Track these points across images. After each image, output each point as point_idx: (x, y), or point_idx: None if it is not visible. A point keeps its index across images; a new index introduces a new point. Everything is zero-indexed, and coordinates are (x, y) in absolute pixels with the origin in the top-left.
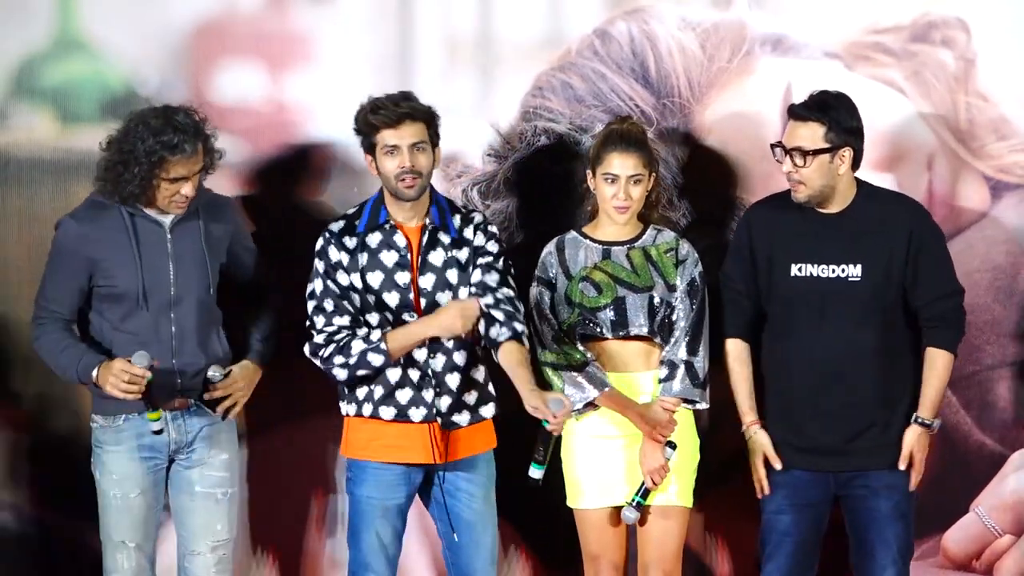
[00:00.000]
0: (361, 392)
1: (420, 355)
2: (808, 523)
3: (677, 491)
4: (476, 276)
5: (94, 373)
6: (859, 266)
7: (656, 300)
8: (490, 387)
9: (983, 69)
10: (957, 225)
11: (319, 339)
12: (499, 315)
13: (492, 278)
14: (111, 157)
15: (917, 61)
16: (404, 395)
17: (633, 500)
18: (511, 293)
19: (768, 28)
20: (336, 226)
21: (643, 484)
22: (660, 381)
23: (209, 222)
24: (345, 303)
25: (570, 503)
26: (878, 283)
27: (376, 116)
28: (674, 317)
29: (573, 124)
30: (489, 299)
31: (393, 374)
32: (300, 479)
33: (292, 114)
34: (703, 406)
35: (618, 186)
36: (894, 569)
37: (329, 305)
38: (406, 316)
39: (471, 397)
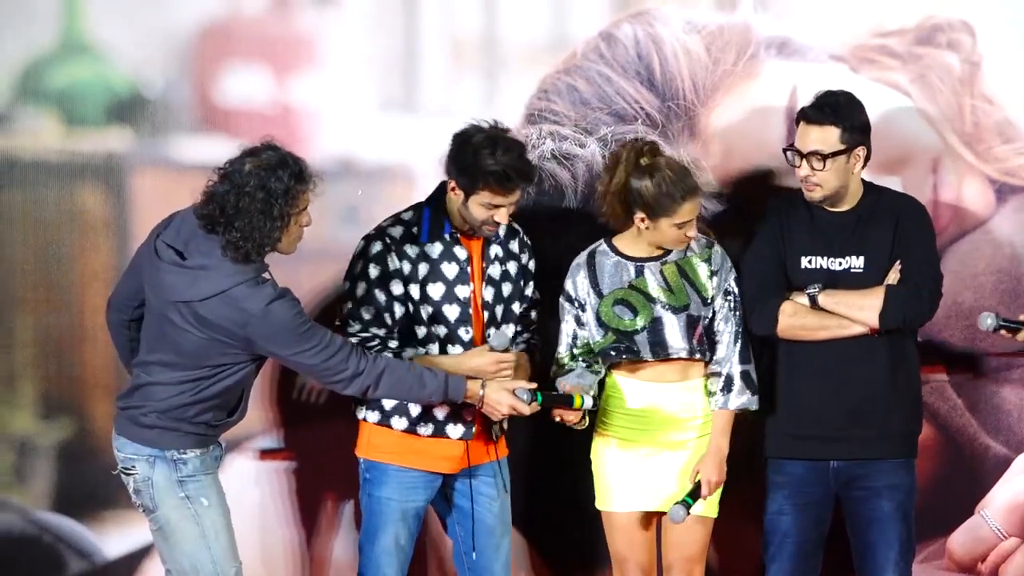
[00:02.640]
0: (388, 403)
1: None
2: (810, 523)
3: (708, 503)
4: (528, 291)
5: (466, 387)
6: (861, 258)
7: (693, 318)
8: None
9: (988, 72)
10: (962, 228)
11: (353, 340)
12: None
13: (534, 315)
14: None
15: (922, 64)
16: (441, 411)
17: (682, 502)
18: (538, 312)
19: (773, 31)
20: (396, 231)
21: (698, 485)
22: (713, 393)
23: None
24: (386, 315)
25: (599, 505)
26: (877, 273)
27: (501, 187)
28: (716, 329)
29: (578, 127)
30: (529, 337)
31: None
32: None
33: (297, 116)
34: (756, 407)
35: (687, 227)
36: (896, 570)
37: (368, 314)
38: (462, 331)
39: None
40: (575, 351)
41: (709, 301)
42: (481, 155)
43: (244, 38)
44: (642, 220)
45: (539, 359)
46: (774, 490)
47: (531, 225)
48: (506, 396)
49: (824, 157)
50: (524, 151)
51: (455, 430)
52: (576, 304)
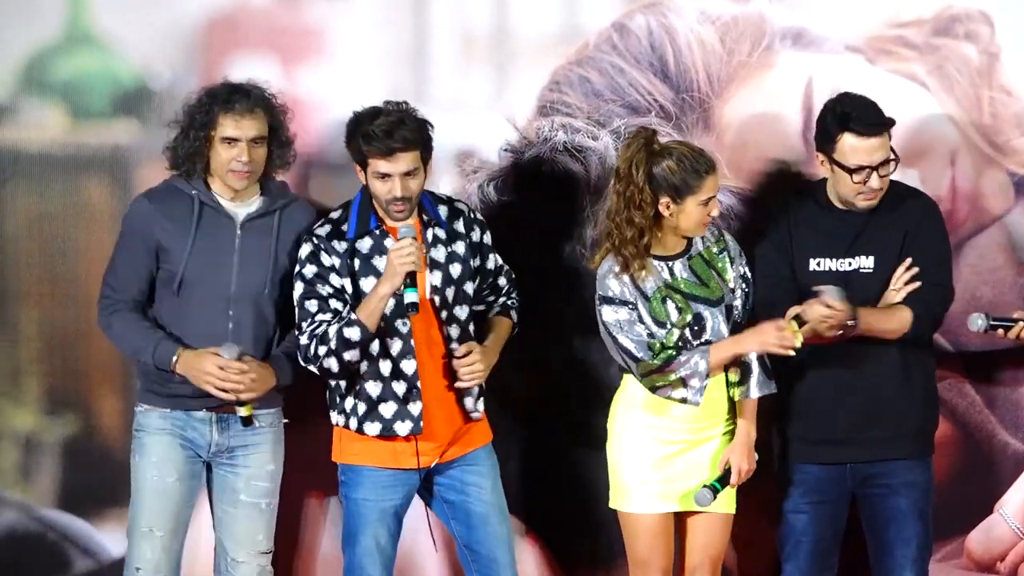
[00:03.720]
0: (348, 403)
1: (408, 367)
2: (826, 521)
3: (725, 498)
4: (489, 265)
5: (173, 359)
6: (871, 258)
7: (728, 308)
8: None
9: (1007, 63)
10: (980, 222)
11: (303, 339)
12: (494, 302)
13: (503, 280)
14: (176, 129)
15: (940, 55)
16: (387, 409)
17: (710, 486)
18: (511, 277)
19: (788, 21)
20: (323, 231)
21: (728, 472)
22: (735, 384)
23: (286, 224)
24: (330, 302)
25: (615, 505)
26: (888, 274)
27: (370, 146)
28: (735, 314)
29: (590, 119)
30: (492, 290)
31: (374, 388)
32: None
33: (305, 109)
34: (774, 391)
35: (711, 204)
36: (913, 568)
37: (313, 306)
38: (399, 324)
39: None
40: (651, 342)
41: (732, 290)
42: (362, 123)
43: (252, 29)
44: (667, 206)
45: (516, 324)
46: (790, 489)
47: (541, 217)
48: (207, 362)
49: (888, 162)
50: (410, 117)
51: (403, 427)
52: (628, 305)
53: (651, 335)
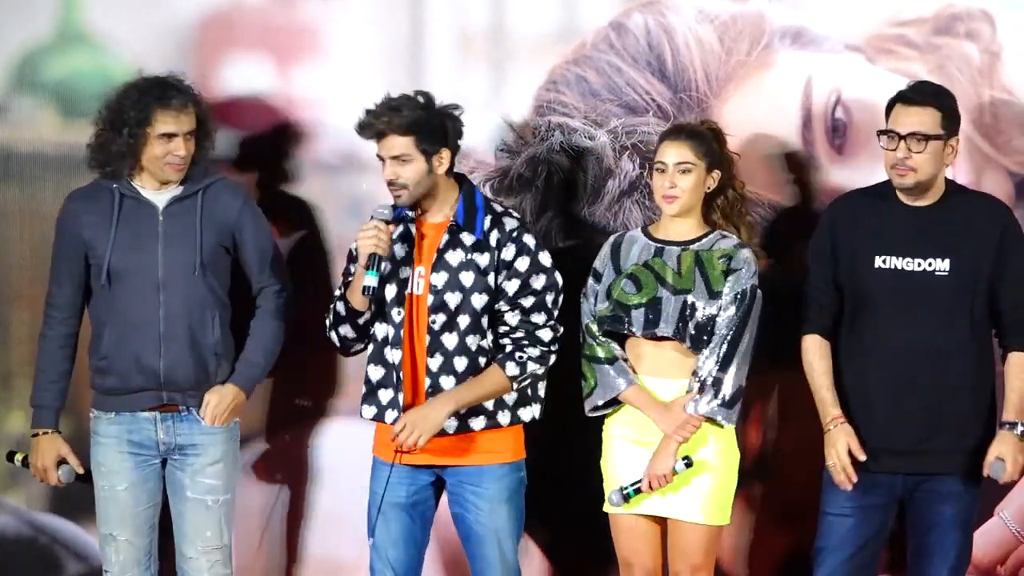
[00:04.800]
0: (363, 388)
1: (393, 356)
2: (872, 527)
3: (707, 508)
4: (509, 288)
5: (33, 432)
6: (947, 260)
7: (690, 304)
8: (488, 402)
9: (1008, 62)
10: None
11: (328, 313)
12: (506, 348)
13: (528, 300)
14: (101, 127)
15: (941, 54)
16: (385, 395)
17: (624, 490)
18: (540, 320)
19: (788, 20)
20: (379, 211)
21: (639, 481)
22: (687, 392)
23: (211, 204)
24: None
25: (606, 508)
26: (965, 280)
27: (362, 130)
28: (715, 327)
29: (588, 119)
30: (514, 319)
31: (375, 373)
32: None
33: (301, 108)
34: (728, 426)
35: (664, 176)
36: None
37: (341, 283)
38: (394, 312)
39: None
40: (592, 328)
41: (717, 296)
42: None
43: (246, 28)
44: (651, 175)
45: (534, 374)
46: (835, 490)
47: (538, 217)
48: (49, 464)
49: (926, 138)
50: (413, 104)
51: (391, 415)
52: (597, 277)
53: (592, 316)
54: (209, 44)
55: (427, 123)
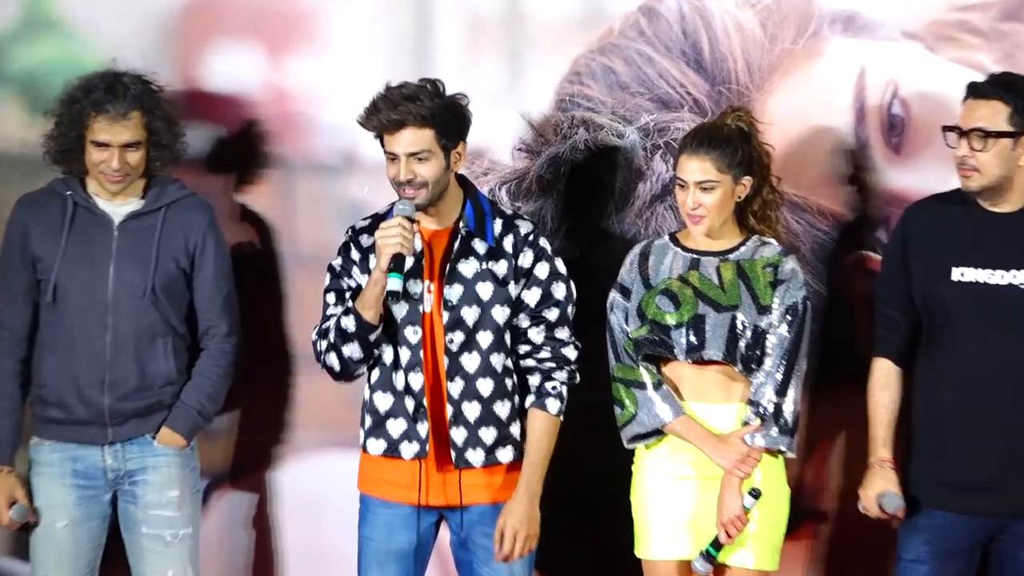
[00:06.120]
0: (365, 419)
1: (416, 382)
2: (952, 575)
3: (759, 552)
4: (530, 299)
5: None
6: None
7: (739, 322)
8: (515, 428)
9: None
10: None
11: (313, 335)
12: (534, 377)
13: (552, 313)
14: (55, 119)
15: (1009, 42)
16: (396, 427)
17: (704, 550)
18: (564, 335)
19: (839, 4)
20: (361, 224)
21: (715, 538)
22: (744, 424)
23: (173, 224)
24: (347, 297)
25: (637, 552)
26: None
27: (372, 119)
28: (766, 347)
29: (616, 114)
30: (538, 336)
31: (383, 401)
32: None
33: (295, 103)
34: (791, 455)
35: (687, 192)
36: None
37: (331, 298)
38: (408, 331)
39: (489, 434)
40: (627, 346)
41: (766, 310)
42: (367, 107)
43: (233, 14)
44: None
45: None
46: (911, 533)
47: (560, 225)
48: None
49: (986, 135)
50: (430, 93)
51: (408, 448)
52: (624, 292)
53: (626, 333)
54: (193, 32)
55: (447, 114)
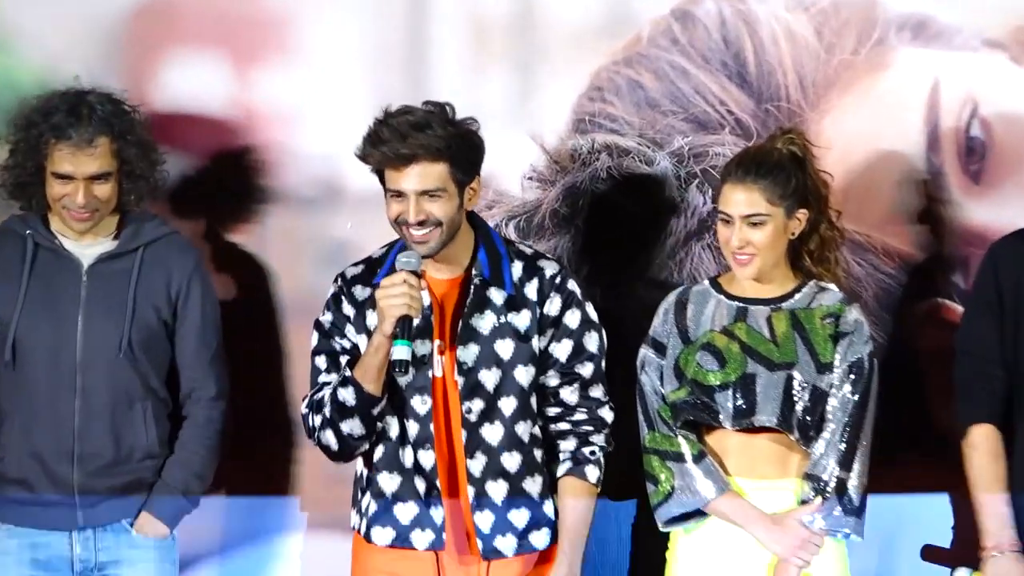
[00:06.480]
0: (365, 501)
1: (427, 460)
2: None
3: None
4: (559, 352)
5: None
6: None
7: (797, 383)
8: (548, 507)
9: None
10: None
11: (303, 408)
12: (568, 442)
13: (586, 368)
14: (10, 146)
15: None
16: (406, 512)
17: None
18: (599, 393)
19: (908, 8)
20: (352, 271)
21: None
22: (801, 503)
23: (152, 267)
24: (343, 360)
25: None
26: None
27: (376, 152)
28: (827, 411)
29: (644, 137)
30: (572, 395)
31: (389, 482)
32: None
33: (265, 124)
34: (857, 539)
35: (731, 229)
36: None
37: (321, 362)
38: (416, 400)
39: (520, 517)
40: (663, 412)
41: (826, 368)
42: (379, 122)
43: (193, 19)
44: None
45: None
46: None
47: (580, 267)
48: None
49: None
50: (443, 121)
51: (421, 538)
52: (658, 348)
53: (663, 397)
54: (144, 40)
55: (461, 145)
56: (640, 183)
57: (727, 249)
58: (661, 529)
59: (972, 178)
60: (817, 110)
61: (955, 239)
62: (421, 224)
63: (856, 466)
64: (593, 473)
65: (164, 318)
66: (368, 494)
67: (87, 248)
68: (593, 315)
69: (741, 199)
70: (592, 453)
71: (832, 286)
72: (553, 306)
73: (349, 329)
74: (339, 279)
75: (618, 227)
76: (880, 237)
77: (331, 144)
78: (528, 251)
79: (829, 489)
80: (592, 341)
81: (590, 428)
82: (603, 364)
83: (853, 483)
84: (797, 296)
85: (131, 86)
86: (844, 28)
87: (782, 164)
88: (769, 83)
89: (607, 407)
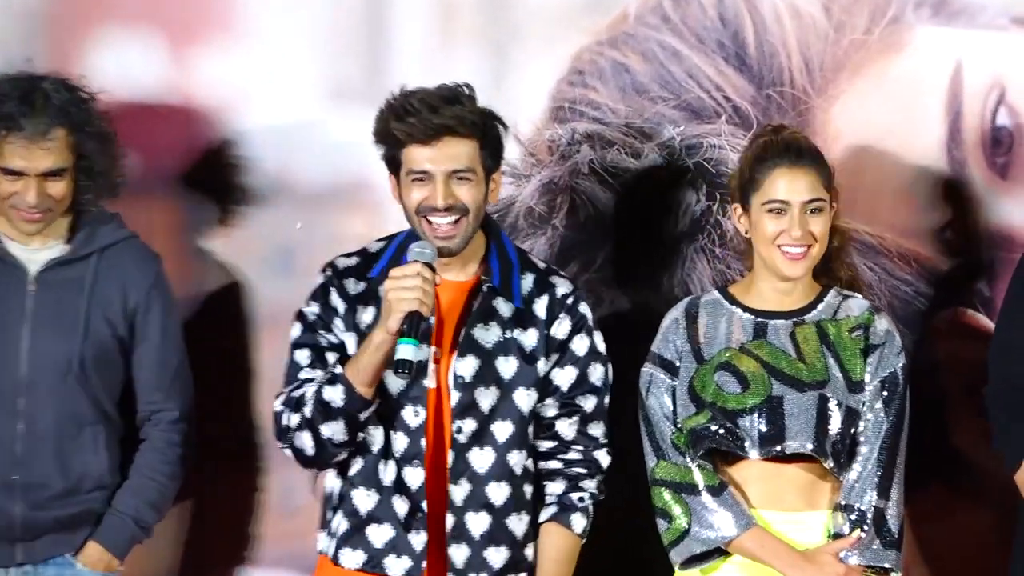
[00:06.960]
0: (335, 522)
1: (414, 479)
2: None
3: None
4: (562, 380)
5: None
6: None
7: (831, 405)
8: (529, 551)
9: None
10: None
11: (277, 405)
12: (556, 484)
13: (588, 402)
14: None
15: None
16: (380, 535)
17: None
18: (598, 433)
19: None
20: (344, 262)
21: None
22: (833, 536)
23: (108, 274)
24: (328, 357)
25: None
26: None
27: (403, 124)
28: (859, 433)
29: (630, 126)
30: (569, 429)
31: (365, 500)
32: None
33: (205, 112)
34: (897, 575)
35: (789, 218)
36: None
37: (303, 358)
38: (407, 412)
39: (498, 556)
40: (676, 439)
41: (857, 386)
42: (397, 101)
43: None
44: (740, 219)
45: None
46: None
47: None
48: None
49: None
50: (471, 99)
51: (397, 564)
52: (668, 367)
53: (675, 422)
54: (69, 17)
55: (493, 126)
56: (626, 178)
57: (770, 246)
58: (678, 571)
59: (998, 172)
60: (825, 96)
61: (979, 241)
62: (448, 210)
63: (894, 494)
64: (579, 523)
65: (120, 334)
66: (340, 512)
67: (35, 253)
68: (602, 346)
69: (802, 184)
70: (581, 500)
71: (856, 295)
72: (561, 328)
73: (337, 324)
74: (329, 268)
75: (601, 228)
76: (895, 239)
77: (278, 134)
78: (541, 264)
79: (868, 520)
80: (596, 374)
81: (583, 471)
82: (607, 401)
83: (891, 512)
84: (820, 306)
85: (56, 69)
86: (855, 5)
87: (818, 149)
88: (771, 66)
89: (604, 451)
